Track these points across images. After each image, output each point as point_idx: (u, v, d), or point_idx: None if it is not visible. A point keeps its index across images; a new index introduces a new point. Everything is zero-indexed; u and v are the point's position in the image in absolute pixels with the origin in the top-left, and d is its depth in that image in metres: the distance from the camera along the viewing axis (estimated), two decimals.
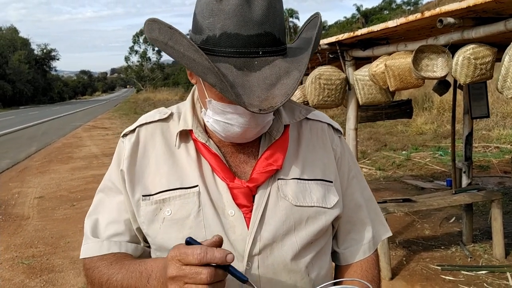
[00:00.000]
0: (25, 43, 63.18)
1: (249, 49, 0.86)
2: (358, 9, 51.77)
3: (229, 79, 0.84)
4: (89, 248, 1.03)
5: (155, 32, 0.91)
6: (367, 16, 47.37)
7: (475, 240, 4.40)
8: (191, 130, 1.02)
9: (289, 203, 0.98)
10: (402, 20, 2.78)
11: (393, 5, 51.07)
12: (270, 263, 0.96)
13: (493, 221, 3.94)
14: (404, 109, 4.78)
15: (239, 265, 0.94)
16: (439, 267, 3.85)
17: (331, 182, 1.05)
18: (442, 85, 4.50)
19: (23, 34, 68.36)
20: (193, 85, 1.07)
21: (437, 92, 4.59)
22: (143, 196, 1.00)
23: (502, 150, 8.61)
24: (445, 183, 6.38)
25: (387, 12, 47.24)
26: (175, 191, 0.98)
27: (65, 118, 26.42)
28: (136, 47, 68.53)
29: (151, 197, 0.99)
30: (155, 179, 1.00)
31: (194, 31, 0.92)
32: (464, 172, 4.50)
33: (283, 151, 1.01)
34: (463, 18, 2.55)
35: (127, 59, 69.77)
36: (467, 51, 2.59)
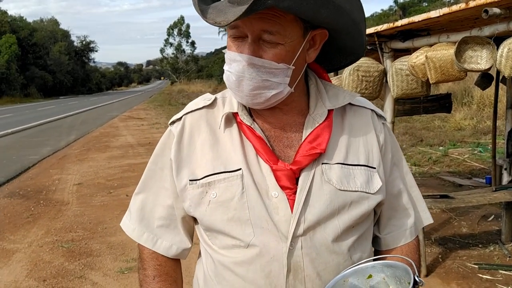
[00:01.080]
0: (66, 34, 64.91)
1: None
2: (395, 1, 50.58)
3: (207, 6, 0.95)
4: (134, 230, 1.13)
5: None
6: (405, 8, 46.18)
7: None
8: (236, 113, 1.05)
9: (333, 187, 1.00)
10: (445, 10, 2.71)
11: None
12: (313, 244, 0.98)
13: None
14: (443, 103, 4.65)
15: (283, 245, 0.97)
16: (476, 266, 3.75)
17: (374, 168, 1.06)
18: (485, 78, 4.36)
19: (63, 26, 70.26)
20: None
21: (480, 86, 4.45)
22: (190, 180, 1.04)
23: None
24: (484, 181, 6.19)
25: (426, 4, 45.90)
26: (219, 174, 1.01)
27: (103, 108, 27.10)
28: (170, 40, 69.38)
29: (198, 181, 1.03)
30: (201, 164, 1.04)
31: None
32: (505, 169, 4.35)
33: (327, 135, 1.02)
34: (510, 8, 2.46)
35: (162, 51, 70.69)
36: None
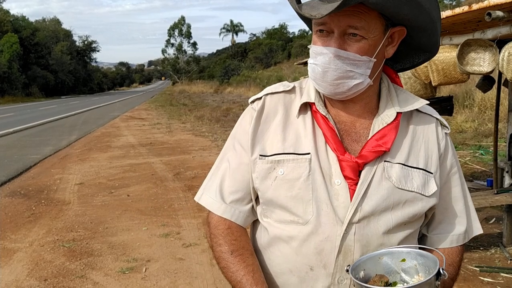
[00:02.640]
0: (68, 34, 65.08)
1: None
2: None
3: (300, 4, 1.05)
4: (213, 204, 1.18)
5: None
6: None
7: None
8: (313, 103, 1.13)
9: (391, 184, 1.08)
10: (448, 12, 2.71)
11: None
12: (365, 233, 1.07)
13: None
14: (444, 106, 4.65)
15: (338, 229, 1.06)
16: (478, 268, 3.75)
17: (432, 173, 1.12)
18: (487, 81, 4.36)
19: (65, 25, 70.64)
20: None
21: (481, 88, 4.45)
22: (260, 155, 1.13)
23: None
24: (485, 183, 6.18)
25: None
26: (289, 155, 1.10)
27: (104, 108, 27.12)
28: (172, 40, 69.47)
29: (267, 157, 1.12)
30: (273, 142, 1.13)
31: None
32: (507, 172, 4.35)
33: (393, 135, 1.09)
34: None
35: (163, 51, 70.87)
36: None
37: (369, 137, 1.10)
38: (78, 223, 5.26)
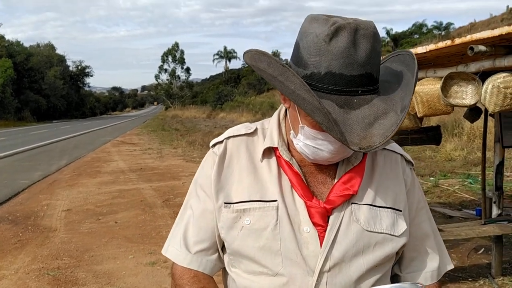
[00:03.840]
0: (61, 59, 65.35)
1: (350, 88, 0.93)
2: (387, 32, 51.61)
3: (333, 117, 0.91)
4: (179, 256, 1.14)
5: (263, 63, 0.99)
6: (397, 40, 47.12)
7: (505, 273, 4.23)
8: (276, 148, 1.09)
9: (360, 227, 1.05)
10: (431, 46, 2.77)
11: (424, 29, 50.58)
12: (338, 281, 1.03)
13: None
14: (431, 135, 4.70)
15: (309, 280, 1.02)
16: None
17: (400, 211, 1.10)
18: (474, 112, 4.41)
19: (59, 51, 70.36)
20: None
21: (468, 119, 4.50)
22: (225, 203, 1.09)
23: None
24: (474, 212, 6.19)
25: (417, 36, 46.85)
26: (255, 203, 1.06)
27: (96, 133, 27.03)
28: (165, 66, 70.00)
29: (232, 205, 1.08)
30: (238, 189, 1.09)
31: (296, 63, 0.99)
32: (494, 202, 4.37)
33: (360, 177, 1.07)
34: (495, 46, 2.52)
35: (157, 77, 71.29)
36: (497, 79, 2.56)
37: (336, 181, 1.07)
38: (63, 251, 5.18)
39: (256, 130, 1.15)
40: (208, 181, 1.11)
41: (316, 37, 0.94)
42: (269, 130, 1.13)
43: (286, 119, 1.12)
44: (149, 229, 5.96)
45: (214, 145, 1.16)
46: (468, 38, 2.55)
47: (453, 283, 4.07)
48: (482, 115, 4.52)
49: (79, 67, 71.46)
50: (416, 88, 3.00)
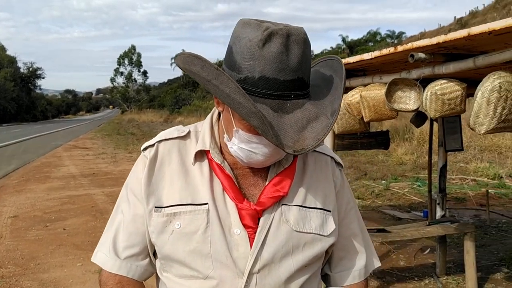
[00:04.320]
0: (12, 61, 62.71)
1: (283, 92, 0.95)
2: (343, 39, 52.83)
3: (268, 121, 0.92)
4: (107, 262, 1.11)
5: (196, 67, 0.98)
6: (352, 47, 48.27)
7: (449, 273, 4.41)
8: (208, 151, 1.10)
9: (290, 228, 1.06)
10: (376, 53, 2.86)
11: (378, 38, 52.13)
12: (267, 282, 1.04)
13: (466, 254, 3.96)
14: (380, 140, 4.83)
15: (239, 281, 1.03)
16: None
17: (330, 211, 1.13)
18: (419, 117, 4.58)
19: (10, 52, 67.41)
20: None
21: (414, 124, 4.66)
22: (155, 207, 1.07)
23: (479, 183, 8.74)
24: (422, 214, 6.43)
25: (372, 44, 48.21)
26: (186, 206, 1.06)
27: (47, 137, 26.06)
28: (121, 69, 68.53)
29: (163, 209, 1.07)
30: (169, 192, 1.08)
31: (230, 67, 0.99)
32: (438, 204, 4.55)
33: (290, 179, 1.09)
34: (434, 53, 2.63)
35: (112, 80, 69.64)
36: (435, 86, 2.67)
37: (267, 183, 1.08)
38: (8, 259, 4.96)
39: (189, 133, 1.15)
40: (138, 185, 1.10)
41: (249, 42, 0.94)
42: (201, 133, 1.13)
43: (219, 122, 1.12)
44: (99, 236, 5.62)
45: (145, 149, 1.14)
46: (409, 45, 2.65)
47: (400, 283, 4.20)
48: (428, 120, 4.70)
49: (31, 69, 68.70)
50: (363, 93, 3.09)
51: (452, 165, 9.93)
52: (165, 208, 1.06)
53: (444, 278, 4.29)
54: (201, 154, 1.11)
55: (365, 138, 4.58)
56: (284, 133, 0.93)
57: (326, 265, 1.21)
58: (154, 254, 1.13)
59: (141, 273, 1.13)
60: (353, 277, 1.19)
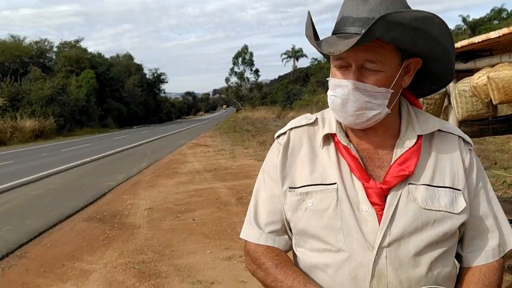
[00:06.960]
0: (139, 68, 68.72)
1: (349, 28, 1.09)
2: (464, 19, 48.81)
3: (319, 41, 1.11)
4: (251, 234, 1.25)
5: (307, 30, 1.14)
6: (474, 27, 44.35)
7: None
8: (334, 134, 1.18)
9: (418, 205, 1.11)
10: (505, 30, 2.66)
11: (504, 14, 47.14)
12: (397, 255, 1.09)
13: None
14: None
15: (369, 254, 1.09)
16: None
17: (460, 190, 1.15)
18: None
19: (137, 60, 74.12)
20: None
21: None
22: (289, 188, 1.19)
23: None
24: None
25: (497, 22, 43.73)
26: (317, 186, 1.16)
27: (172, 136, 28.19)
28: (235, 68, 71.24)
29: (296, 189, 1.18)
30: (301, 174, 1.19)
31: None
32: None
33: (415, 158, 1.13)
34: None
35: (227, 80, 72.76)
36: None
37: (392, 163, 1.13)
38: (147, 246, 5.51)
39: (316, 119, 1.25)
40: (274, 168, 1.22)
41: None
42: (327, 118, 1.23)
43: None
44: (224, 226, 6.18)
45: (278, 136, 1.26)
46: None
47: None
48: None
49: (155, 75, 74.79)
50: (491, 74, 2.90)
51: None
52: (298, 189, 1.17)
53: None
54: (328, 138, 1.19)
55: (497, 123, 4.24)
56: (326, 45, 1.08)
57: (458, 245, 1.21)
58: (290, 230, 1.23)
59: (283, 244, 1.24)
60: (486, 257, 1.18)
